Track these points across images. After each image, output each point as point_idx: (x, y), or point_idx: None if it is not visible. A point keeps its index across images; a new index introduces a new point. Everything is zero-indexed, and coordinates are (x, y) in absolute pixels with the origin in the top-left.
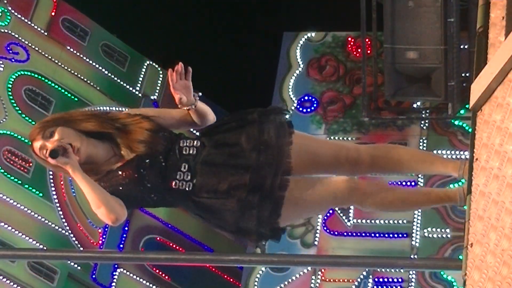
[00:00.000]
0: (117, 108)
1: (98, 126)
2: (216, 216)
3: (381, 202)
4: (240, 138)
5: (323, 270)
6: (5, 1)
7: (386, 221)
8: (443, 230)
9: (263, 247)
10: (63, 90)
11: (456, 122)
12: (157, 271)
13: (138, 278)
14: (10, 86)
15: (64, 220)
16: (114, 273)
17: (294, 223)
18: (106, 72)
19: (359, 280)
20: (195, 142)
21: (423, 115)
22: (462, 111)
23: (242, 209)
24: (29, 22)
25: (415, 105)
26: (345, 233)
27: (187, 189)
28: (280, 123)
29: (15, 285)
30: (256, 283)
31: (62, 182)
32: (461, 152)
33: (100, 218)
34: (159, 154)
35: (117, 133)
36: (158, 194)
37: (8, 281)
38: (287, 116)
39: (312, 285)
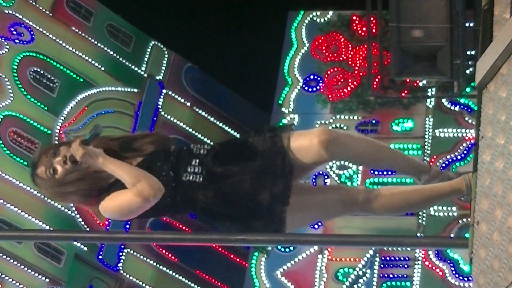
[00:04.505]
0: (122, 88)
1: (100, 144)
2: (227, 204)
3: (389, 206)
4: (249, 140)
5: (329, 249)
6: None
7: None
8: (449, 208)
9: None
10: (68, 71)
11: (462, 100)
12: (164, 251)
13: (144, 259)
14: (15, 67)
15: None
16: (121, 253)
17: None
18: (111, 52)
19: (365, 259)
20: (205, 145)
21: (429, 94)
22: (467, 89)
23: (255, 188)
24: (34, 3)
25: (421, 84)
26: None
27: (197, 180)
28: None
29: (22, 266)
30: (262, 263)
31: None
32: (467, 130)
33: (142, 192)
34: (171, 152)
35: (122, 148)
36: (169, 191)
37: (15, 262)
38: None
39: (319, 264)
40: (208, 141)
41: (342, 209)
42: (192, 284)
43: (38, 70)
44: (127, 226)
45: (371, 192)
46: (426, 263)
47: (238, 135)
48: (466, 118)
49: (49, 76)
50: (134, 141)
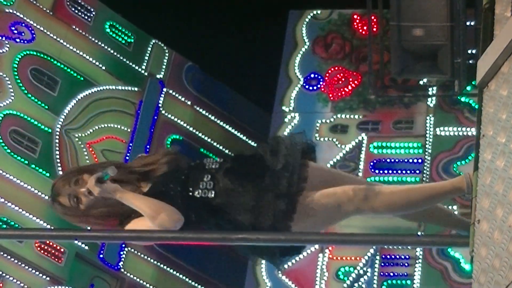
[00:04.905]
0: (123, 87)
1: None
2: (234, 220)
3: (389, 204)
4: (262, 156)
5: (330, 248)
6: None
7: None
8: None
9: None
10: (69, 70)
11: (463, 99)
12: (165, 250)
13: (145, 257)
14: (16, 66)
15: None
16: (122, 252)
17: None
18: (112, 51)
19: (366, 257)
20: (218, 159)
21: (430, 93)
22: (468, 88)
23: (258, 205)
24: (34, 2)
25: (421, 83)
26: None
27: (209, 196)
28: (301, 145)
29: (23, 265)
30: (263, 261)
31: (69, 162)
32: (468, 129)
33: (163, 225)
34: (184, 169)
35: (136, 176)
36: (183, 211)
37: (16, 261)
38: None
39: (320, 263)
40: (221, 147)
41: (343, 211)
42: (193, 283)
43: (39, 69)
44: None
45: (371, 189)
46: (427, 261)
47: (241, 136)
48: (467, 117)
49: (50, 75)
50: (149, 166)
